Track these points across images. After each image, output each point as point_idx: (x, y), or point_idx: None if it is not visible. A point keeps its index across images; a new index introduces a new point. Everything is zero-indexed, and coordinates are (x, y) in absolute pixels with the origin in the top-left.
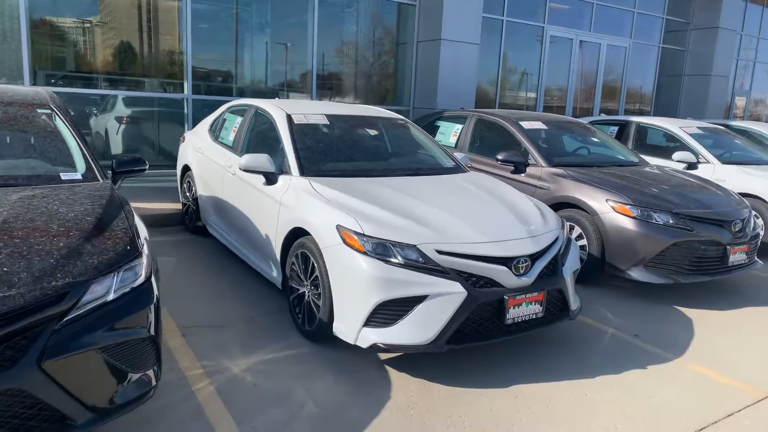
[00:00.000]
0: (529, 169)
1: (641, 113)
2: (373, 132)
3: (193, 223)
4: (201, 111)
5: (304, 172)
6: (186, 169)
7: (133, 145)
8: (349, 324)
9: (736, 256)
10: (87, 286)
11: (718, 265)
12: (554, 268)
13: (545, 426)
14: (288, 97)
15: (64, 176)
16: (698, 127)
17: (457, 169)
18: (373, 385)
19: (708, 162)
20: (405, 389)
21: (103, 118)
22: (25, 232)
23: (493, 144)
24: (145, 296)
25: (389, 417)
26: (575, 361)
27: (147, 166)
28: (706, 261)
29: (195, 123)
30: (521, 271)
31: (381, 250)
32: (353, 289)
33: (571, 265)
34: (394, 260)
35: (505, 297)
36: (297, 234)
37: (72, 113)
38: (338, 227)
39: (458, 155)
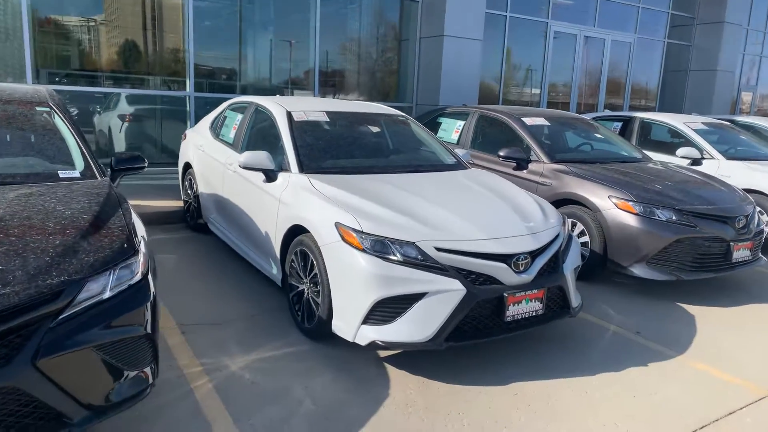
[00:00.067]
0: (531, 166)
1: (646, 109)
2: (373, 129)
3: (194, 220)
4: (203, 108)
5: (303, 169)
6: (187, 166)
7: (135, 142)
8: (348, 321)
9: (740, 253)
10: (82, 284)
11: (722, 261)
12: (555, 265)
13: (545, 423)
14: (291, 95)
15: (62, 174)
16: (703, 123)
17: (458, 165)
18: (371, 383)
19: (712, 158)
20: (404, 387)
21: (106, 116)
22: (21, 230)
23: (495, 140)
24: (142, 294)
25: (388, 414)
26: (576, 359)
27: (146, 164)
28: (709, 258)
29: (197, 121)
30: (521, 268)
31: (380, 247)
32: (352, 287)
33: (572, 262)
34: (392, 257)
35: (504, 294)
36: (296, 231)
37: (72, 111)
38: (337, 224)
39: (459, 152)
